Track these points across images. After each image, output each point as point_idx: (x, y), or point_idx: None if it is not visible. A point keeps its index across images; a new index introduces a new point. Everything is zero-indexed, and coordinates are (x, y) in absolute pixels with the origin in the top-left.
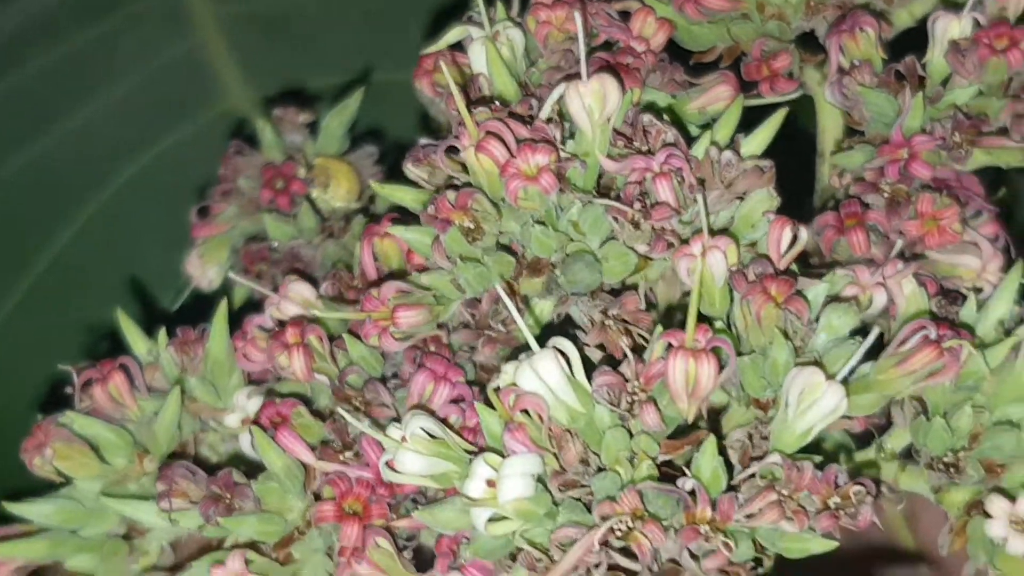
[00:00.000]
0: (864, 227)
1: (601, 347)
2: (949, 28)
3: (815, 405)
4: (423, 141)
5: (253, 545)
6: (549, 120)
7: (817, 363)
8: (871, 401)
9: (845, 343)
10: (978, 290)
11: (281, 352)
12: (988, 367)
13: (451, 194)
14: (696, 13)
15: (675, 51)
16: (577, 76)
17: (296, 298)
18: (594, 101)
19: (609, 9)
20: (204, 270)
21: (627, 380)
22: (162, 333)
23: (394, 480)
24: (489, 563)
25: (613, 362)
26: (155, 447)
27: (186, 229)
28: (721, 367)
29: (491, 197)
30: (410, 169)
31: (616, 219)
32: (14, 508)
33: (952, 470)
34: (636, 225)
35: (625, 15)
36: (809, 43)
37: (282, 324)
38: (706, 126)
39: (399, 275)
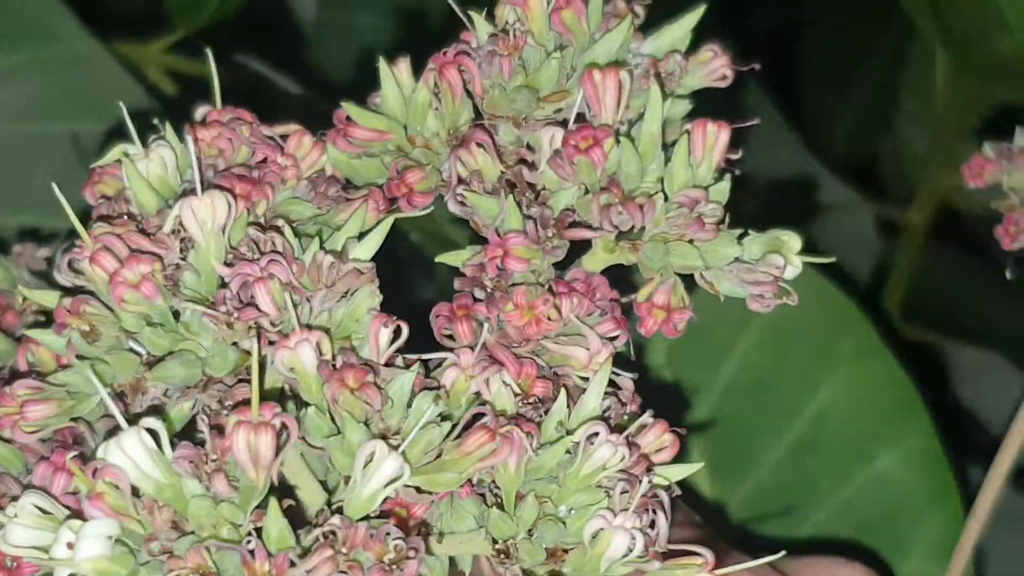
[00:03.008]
0: (470, 318)
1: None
2: (555, 138)
3: (377, 473)
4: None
5: None
6: (174, 232)
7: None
8: (450, 479)
9: (431, 425)
10: (586, 379)
11: None
12: (552, 460)
13: (66, 300)
14: (347, 146)
15: None
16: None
17: None
18: (206, 214)
19: (270, 131)
20: None
21: (205, 453)
22: None
23: (7, 551)
24: None
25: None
26: None
27: None
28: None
29: (108, 303)
30: (57, 274)
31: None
32: None
33: (503, 556)
34: (230, 325)
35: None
36: None
37: None
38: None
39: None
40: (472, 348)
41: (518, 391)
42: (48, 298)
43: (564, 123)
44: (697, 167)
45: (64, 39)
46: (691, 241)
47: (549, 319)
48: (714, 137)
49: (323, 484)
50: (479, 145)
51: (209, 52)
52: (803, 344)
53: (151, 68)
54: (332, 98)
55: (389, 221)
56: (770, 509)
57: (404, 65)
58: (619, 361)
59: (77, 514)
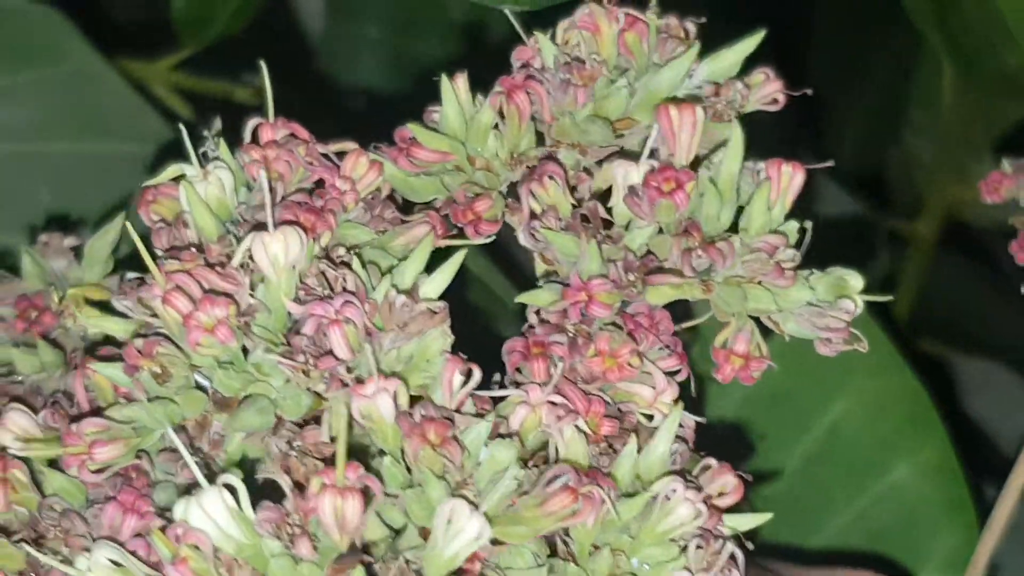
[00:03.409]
0: (546, 357)
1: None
2: (628, 174)
3: (459, 533)
4: (129, 275)
5: None
6: (242, 266)
7: (473, 495)
8: (525, 532)
9: (506, 475)
10: (649, 417)
11: None
12: (628, 515)
13: (139, 341)
14: (409, 166)
15: None
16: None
17: (14, 428)
18: (278, 251)
19: (325, 149)
20: None
21: (288, 514)
22: None
23: None
24: None
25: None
26: None
27: None
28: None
29: (179, 342)
30: (117, 301)
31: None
32: None
33: None
34: (306, 373)
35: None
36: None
37: None
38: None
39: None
40: (540, 385)
41: (587, 430)
42: (113, 327)
43: (623, 151)
44: (771, 208)
45: (71, 58)
46: (759, 282)
47: (630, 365)
48: (788, 178)
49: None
50: (551, 178)
51: (263, 64)
52: (819, 356)
53: (158, 86)
54: (339, 111)
55: (460, 256)
56: (785, 518)
57: (463, 83)
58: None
59: (152, 566)
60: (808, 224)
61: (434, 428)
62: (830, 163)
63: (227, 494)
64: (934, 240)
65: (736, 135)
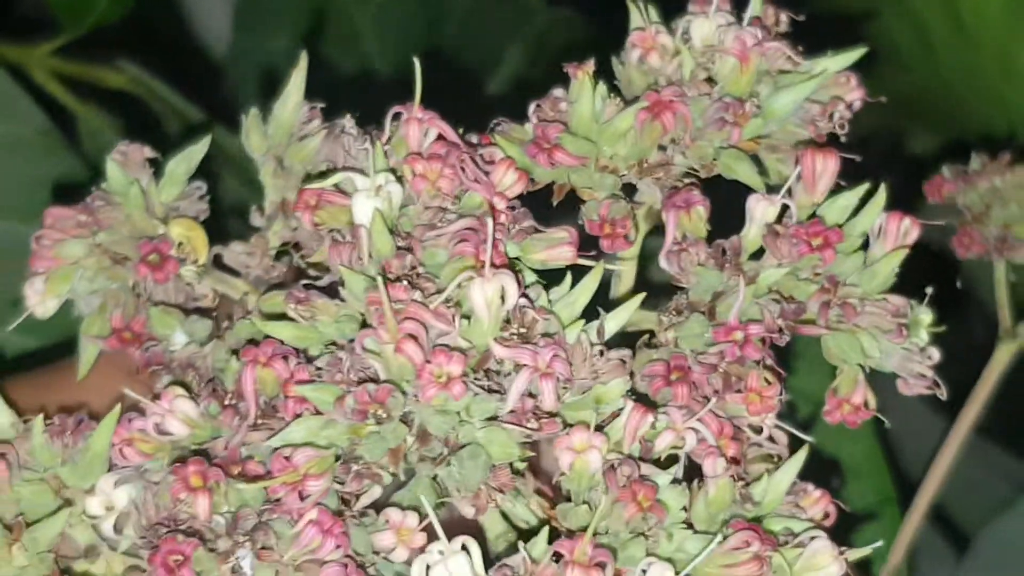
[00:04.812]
0: (688, 382)
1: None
2: (767, 213)
3: None
4: (303, 282)
5: None
6: (447, 301)
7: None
8: None
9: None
10: (759, 430)
11: (184, 492)
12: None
13: (371, 387)
14: (547, 165)
15: None
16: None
17: (180, 416)
18: (494, 296)
19: (475, 155)
20: (43, 299)
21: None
22: (38, 421)
23: None
24: None
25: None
26: (32, 545)
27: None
28: None
29: (400, 384)
30: (292, 308)
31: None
32: None
33: None
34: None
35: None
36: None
37: (182, 460)
38: (547, 272)
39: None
40: (681, 408)
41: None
42: (282, 331)
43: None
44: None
45: None
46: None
47: (774, 404)
48: (906, 233)
49: None
50: (696, 208)
51: (417, 62)
52: None
53: (37, 71)
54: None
55: (638, 300)
56: None
57: (590, 76)
58: None
59: None
60: (929, 290)
61: (643, 492)
62: (941, 222)
63: (467, 558)
64: None
65: (880, 195)
